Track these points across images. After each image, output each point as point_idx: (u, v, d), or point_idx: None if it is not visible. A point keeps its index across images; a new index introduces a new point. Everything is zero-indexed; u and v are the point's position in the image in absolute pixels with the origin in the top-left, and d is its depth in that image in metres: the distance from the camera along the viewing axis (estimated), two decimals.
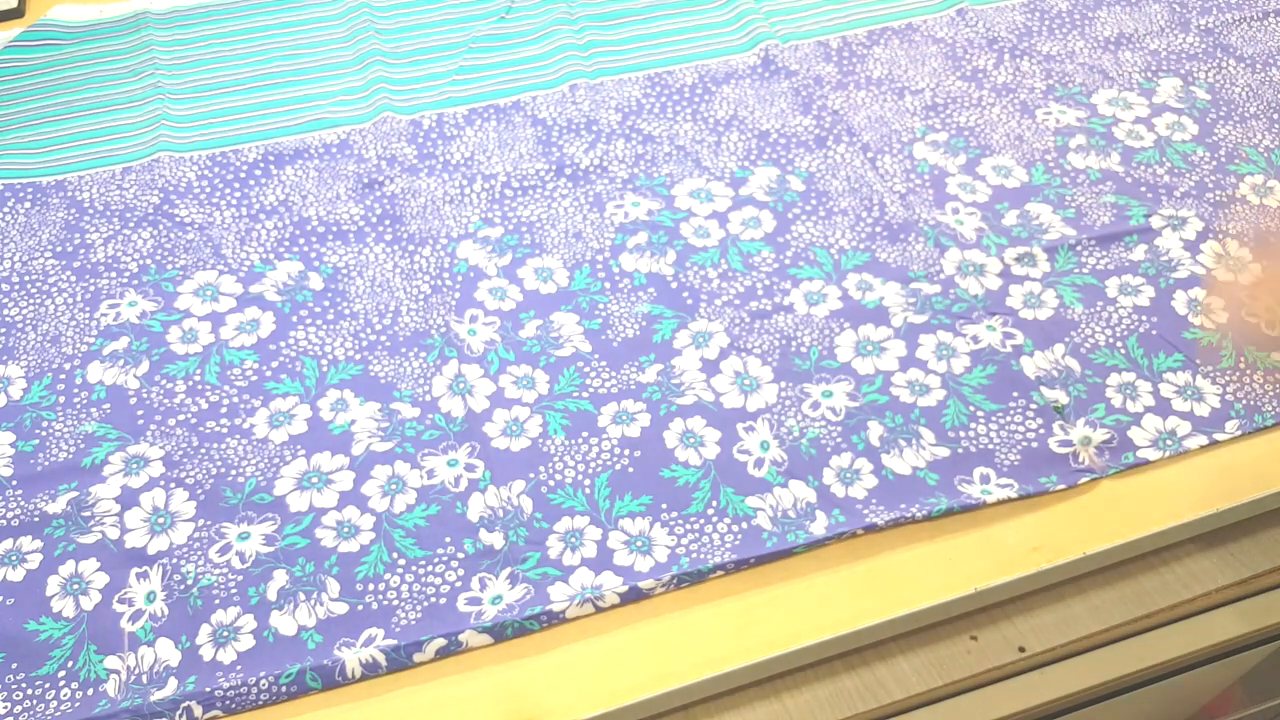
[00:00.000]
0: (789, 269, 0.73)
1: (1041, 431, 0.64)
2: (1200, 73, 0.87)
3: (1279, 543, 0.63)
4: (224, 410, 0.66)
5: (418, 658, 0.55)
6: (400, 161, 0.80)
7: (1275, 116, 0.83)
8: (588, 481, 0.62)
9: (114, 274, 0.73)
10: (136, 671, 0.55)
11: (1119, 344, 0.68)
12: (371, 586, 0.58)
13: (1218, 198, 0.77)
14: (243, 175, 0.80)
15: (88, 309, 0.71)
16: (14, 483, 0.62)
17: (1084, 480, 0.62)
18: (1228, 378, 0.67)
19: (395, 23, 0.92)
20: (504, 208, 0.77)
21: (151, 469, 0.63)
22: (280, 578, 0.58)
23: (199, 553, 0.59)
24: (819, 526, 0.59)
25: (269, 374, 0.68)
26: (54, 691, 0.54)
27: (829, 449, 0.63)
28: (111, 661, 0.55)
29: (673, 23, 0.92)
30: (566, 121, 0.84)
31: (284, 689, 0.54)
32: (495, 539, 0.60)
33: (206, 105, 0.85)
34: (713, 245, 0.75)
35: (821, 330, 0.70)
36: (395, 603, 0.57)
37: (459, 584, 0.58)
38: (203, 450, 0.64)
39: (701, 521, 0.60)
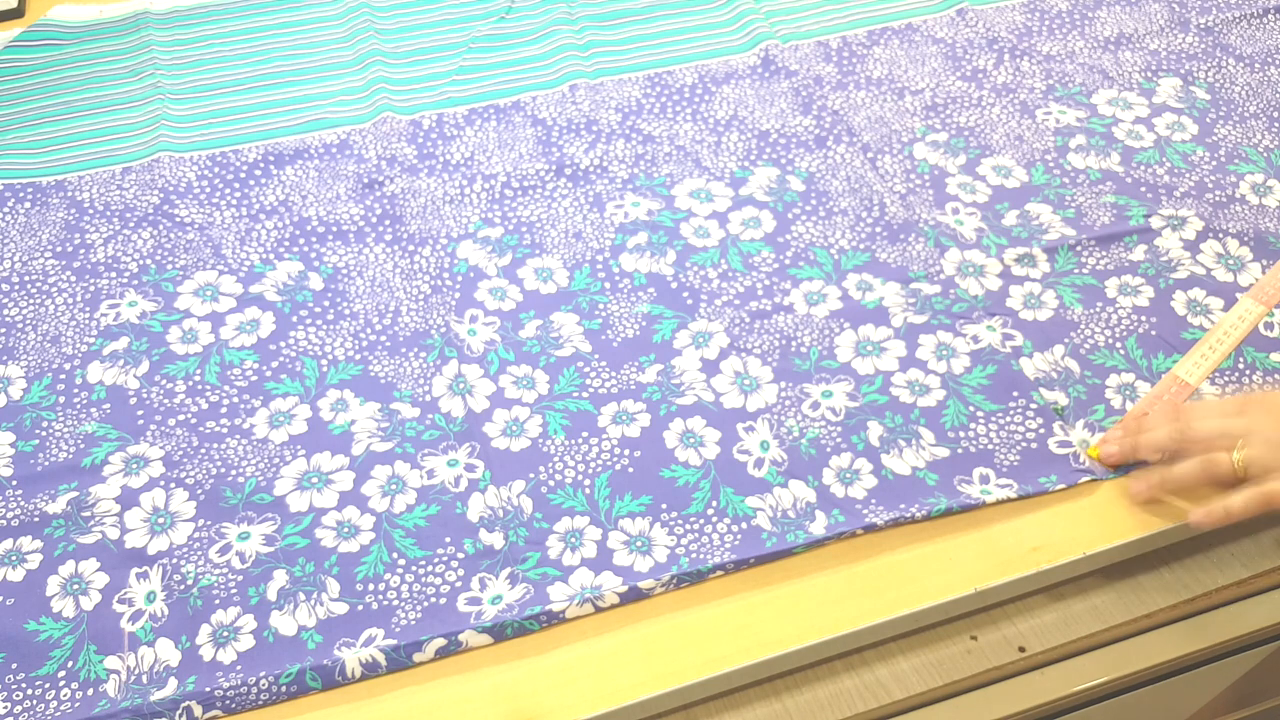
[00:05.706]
0: (789, 269, 0.73)
1: (1041, 432, 0.64)
2: (1200, 72, 0.87)
3: (1278, 543, 0.63)
4: (224, 410, 0.66)
5: (418, 658, 0.55)
6: (400, 161, 0.80)
7: (1275, 116, 0.83)
8: (588, 481, 0.62)
9: (114, 274, 0.73)
10: (136, 671, 0.55)
11: (1118, 345, 0.68)
12: (371, 586, 0.58)
13: (1217, 198, 0.77)
14: (243, 175, 0.80)
15: (88, 309, 0.71)
16: (14, 483, 0.62)
17: (1084, 480, 0.62)
18: (1227, 378, 0.67)
19: (395, 23, 0.92)
20: (504, 208, 0.77)
21: (151, 469, 0.63)
22: (280, 578, 0.58)
23: (199, 553, 0.59)
24: (819, 526, 0.59)
25: (269, 374, 0.68)
26: (54, 691, 0.54)
27: (829, 449, 0.63)
28: (111, 661, 0.55)
29: (673, 23, 0.92)
30: (566, 121, 0.84)
31: (284, 689, 0.54)
32: (495, 539, 0.60)
33: (206, 105, 0.85)
34: (713, 245, 0.75)
35: (821, 330, 0.70)
36: (395, 603, 0.57)
37: (459, 584, 0.58)
38: (203, 450, 0.64)
39: (701, 521, 0.60)
